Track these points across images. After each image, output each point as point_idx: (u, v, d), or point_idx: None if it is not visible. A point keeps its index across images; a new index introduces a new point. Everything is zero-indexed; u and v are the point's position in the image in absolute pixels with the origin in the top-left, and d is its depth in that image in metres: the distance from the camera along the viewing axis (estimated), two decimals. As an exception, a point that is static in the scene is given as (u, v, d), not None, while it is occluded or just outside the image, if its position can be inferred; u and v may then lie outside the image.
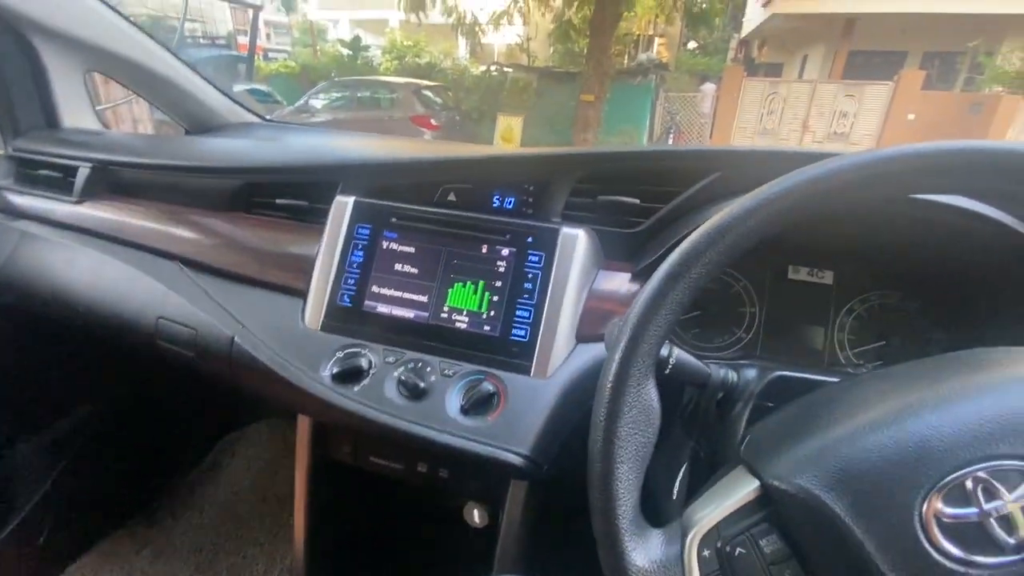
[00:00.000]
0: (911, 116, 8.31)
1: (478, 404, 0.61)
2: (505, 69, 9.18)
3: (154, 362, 0.84)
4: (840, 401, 0.39)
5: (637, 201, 0.68)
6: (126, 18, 1.05)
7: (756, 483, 0.36)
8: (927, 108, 8.35)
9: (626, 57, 12.15)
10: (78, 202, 0.92)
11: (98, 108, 1.21)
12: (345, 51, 10.98)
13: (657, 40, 13.59)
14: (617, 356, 0.38)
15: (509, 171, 0.72)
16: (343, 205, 0.74)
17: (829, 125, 8.86)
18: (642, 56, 12.19)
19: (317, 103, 7.69)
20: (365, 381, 0.66)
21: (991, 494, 0.29)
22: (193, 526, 1.32)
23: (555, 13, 7.49)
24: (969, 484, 0.30)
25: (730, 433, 0.49)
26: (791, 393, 0.45)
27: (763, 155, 0.63)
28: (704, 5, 7.83)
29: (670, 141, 8.67)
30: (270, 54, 14.34)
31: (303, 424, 0.75)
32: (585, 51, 7.28)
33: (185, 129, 1.24)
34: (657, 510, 0.39)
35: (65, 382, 1.16)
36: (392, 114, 7.17)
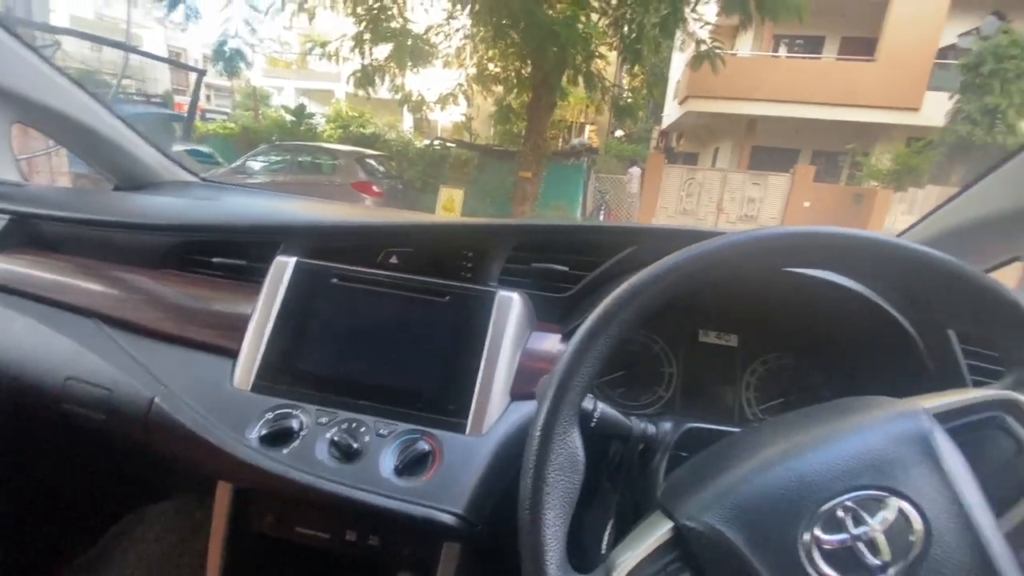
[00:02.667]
0: (807, 204, 9.55)
1: (413, 464, 0.61)
2: (448, 144, 9.60)
3: (51, 432, 0.77)
4: (740, 446, 0.44)
5: (567, 269, 0.75)
6: (56, 67, 1.03)
7: (670, 524, 0.40)
8: (819, 197, 9.63)
9: (560, 140, 13.15)
10: None
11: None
12: (289, 117, 11.04)
13: (588, 127, 14.86)
14: (546, 405, 0.41)
15: (452, 237, 0.77)
16: (283, 265, 0.75)
17: (740, 208, 9.93)
18: (575, 140, 13.27)
19: (255, 165, 7.56)
20: (295, 443, 0.64)
21: (858, 521, 0.34)
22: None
23: (496, 97, 8.07)
24: (840, 513, 0.35)
25: (651, 482, 0.53)
26: (703, 443, 0.49)
27: (671, 232, 0.73)
28: (629, 99, 8.75)
29: (601, 218, 9.32)
30: (208, 115, 14.16)
31: (223, 493, 0.70)
32: (523, 132, 7.82)
33: (114, 185, 1.20)
34: (588, 562, 0.41)
35: None
36: (333, 179, 7.12)
